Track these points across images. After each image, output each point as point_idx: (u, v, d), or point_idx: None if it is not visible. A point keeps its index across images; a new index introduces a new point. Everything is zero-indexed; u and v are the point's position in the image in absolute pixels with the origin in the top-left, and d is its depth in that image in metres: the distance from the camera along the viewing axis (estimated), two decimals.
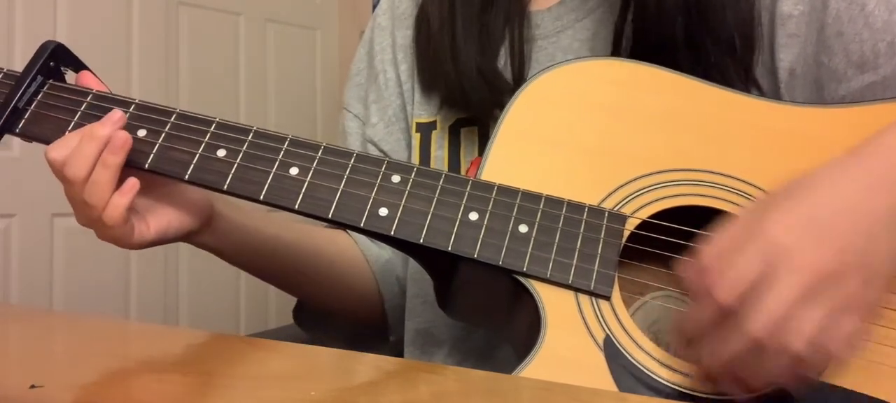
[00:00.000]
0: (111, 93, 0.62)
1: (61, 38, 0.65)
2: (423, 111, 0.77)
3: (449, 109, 0.75)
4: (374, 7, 0.90)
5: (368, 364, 0.50)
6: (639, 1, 0.65)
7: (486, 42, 0.72)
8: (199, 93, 2.24)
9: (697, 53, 0.63)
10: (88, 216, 0.59)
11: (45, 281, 1.89)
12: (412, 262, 0.77)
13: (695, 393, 0.49)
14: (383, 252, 0.80)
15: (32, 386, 0.40)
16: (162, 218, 0.62)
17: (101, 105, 0.61)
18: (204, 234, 0.66)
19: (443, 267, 0.58)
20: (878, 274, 0.48)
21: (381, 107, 0.81)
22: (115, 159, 0.58)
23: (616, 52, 0.67)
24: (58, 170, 0.59)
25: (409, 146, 0.79)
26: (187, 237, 0.65)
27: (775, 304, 0.45)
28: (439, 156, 0.75)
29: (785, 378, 0.47)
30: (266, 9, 2.47)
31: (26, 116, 0.61)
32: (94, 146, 0.58)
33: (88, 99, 0.61)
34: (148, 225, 0.61)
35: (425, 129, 0.77)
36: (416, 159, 0.76)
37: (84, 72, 0.64)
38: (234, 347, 0.56)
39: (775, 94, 0.64)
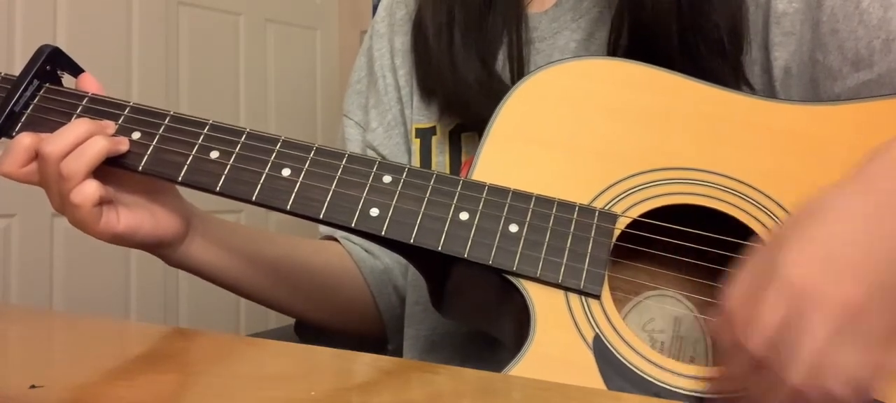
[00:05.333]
0: (107, 97, 0.63)
1: (61, 39, 0.66)
2: (422, 116, 0.77)
3: (448, 115, 0.75)
4: (375, 8, 0.91)
5: (367, 364, 0.50)
6: (633, 5, 0.64)
7: (485, 47, 0.72)
8: (199, 94, 2.25)
9: (692, 58, 0.62)
10: (61, 190, 0.58)
11: (45, 281, 1.89)
12: (412, 270, 0.77)
13: (687, 392, 0.49)
14: (378, 262, 0.79)
15: (32, 386, 0.40)
16: (135, 216, 0.62)
17: (97, 108, 0.61)
18: (176, 248, 0.66)
19: (436, 267, 0.59)
20: None
21: (381, 111, 0.81)
22: (107, 143, 0.58)
23: (612, 52, 0.67)
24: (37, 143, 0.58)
25: (408, 151, 0.79)
26: (158, 247, 0.65)
27: (809, 350, 0.44)
28: (440, 162, 0.75)
29: None
30: (266, 9, 2.47)
31: (23, 120, 0.61)
32: (88, 127, 0.58)
33: (84, 102, 0.62)
34: (118, 217, 0.61)
35: (425, 135, 0.77)
36: (416, 165, 0.76)
37: (84, 76, 0.65)
38: (234, 347, 0.56)
39: (771, 93, 0.64)
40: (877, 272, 0.45)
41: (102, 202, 0.59)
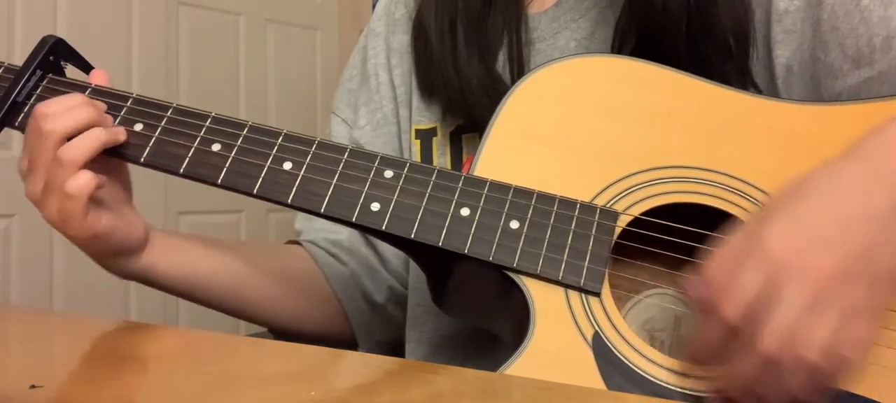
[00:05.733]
0: (110, 88, 0.63)
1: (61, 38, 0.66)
2: (422, 117, 0.77)
3: (450, 116, 0.74)
4: (374, 7, 0.91)
5: (367, 364, 0.50)
6: (643, 8, 0.64)
7: (486, 48, 0.72)
8: (199, 94, 2.25)
9: (698, 60, 0.62)
10: (53, 176, 0.57)
11: (45, 281, 1.89)
12: (414, 272, 0.77)
13: (685, 391, 0.49)
14: (345, 268, 0.78)
15: (32, 386, 0.40)
16: (113, 215, 0.61)
17: (100, 99, 0.62)
18: (138, 256, 0.65)
19: (436, 263, 0.59)
20: (883, 276, 0.46)
21: (371, 109, 0.81)
22: (107, 133, 0.58)
23: (617, 52, 0.66)
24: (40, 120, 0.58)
25: (396, 150, 0.79)
26: (121, 254, 0.64)
27: (782, 318, 0.44)
28: (441, 163, 0.75)
29: (805, 392, 0.46)
30: (266, 9, 2.48)
31: (26, 110, 0.62)
32: (89, 113, 0.58)
33: (87, 93, 0.62)
34: (100, 215, 0.60)
35: (425, 136, 0.76)
36: None
37: (95, 72, 0.65)
38: (234, 347, 0.56)
39: (773, 91, 0.64)
40: (857, 247, 0.46)
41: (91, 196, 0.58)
